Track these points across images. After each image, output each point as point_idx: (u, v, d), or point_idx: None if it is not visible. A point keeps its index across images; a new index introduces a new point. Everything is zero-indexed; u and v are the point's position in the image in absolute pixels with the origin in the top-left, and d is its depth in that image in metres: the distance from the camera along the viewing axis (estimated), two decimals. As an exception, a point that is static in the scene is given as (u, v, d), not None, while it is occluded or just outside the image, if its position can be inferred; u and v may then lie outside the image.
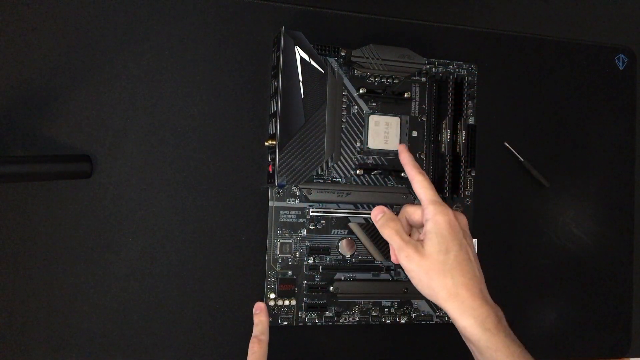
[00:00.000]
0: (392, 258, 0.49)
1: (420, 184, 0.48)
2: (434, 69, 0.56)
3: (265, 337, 0.49)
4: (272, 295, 0.51)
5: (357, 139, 0.54)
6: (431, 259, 0.45)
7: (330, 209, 0.53)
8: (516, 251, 0.59)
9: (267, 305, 0.51)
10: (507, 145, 0.59)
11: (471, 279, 0.45)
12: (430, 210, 0.46)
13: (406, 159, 0.51)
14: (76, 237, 0.48)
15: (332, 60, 0.53)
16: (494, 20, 0.61)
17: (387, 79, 0.54)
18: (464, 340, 0.45)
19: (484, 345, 0.43)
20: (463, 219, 0.48)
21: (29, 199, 0.47)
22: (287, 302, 0.52)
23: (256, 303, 0.51)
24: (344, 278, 0.53)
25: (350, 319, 0.53)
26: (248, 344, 0.48)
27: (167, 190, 0.50)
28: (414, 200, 0.54)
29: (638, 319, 0.63)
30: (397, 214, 0.50)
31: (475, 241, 0.55)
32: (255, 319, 0.50)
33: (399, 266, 0.54)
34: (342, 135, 0.53)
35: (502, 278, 0.59)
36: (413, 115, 0.55)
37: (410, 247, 0.46)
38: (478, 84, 0.58)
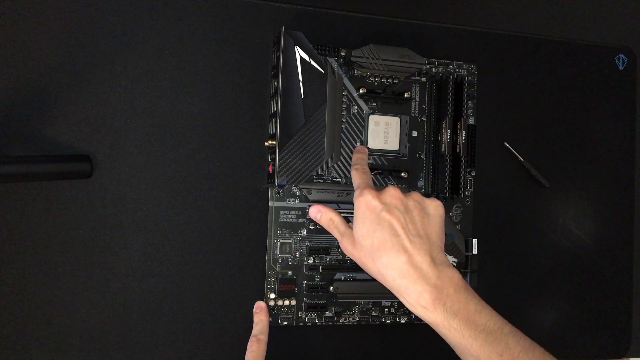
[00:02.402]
0: None
1: (353, 179, 0.48)
2: (434, 69, 0.56)
3: (264, 337, 0.49)
4: (272, 295, 0.51)
5: (357, 139, 0.54)
6: (359, 247, 0.45)
7: (330, 209, 0.53)
8: (516, 251, 0.59)
9: (267, 305, 0.51)
10: (507, 145, 0.59)
11: (397, 256, 0.42)
12: (353, 198, 0.46)
13: (353, 160, 0.51)
14: (76, 237, 0.48)
15: (332, 60, 0.53)
16: (494, 20, 0.61)
17: (387, 79, 0.54)
18: None
19: (428, 322, 0.42)
20: (388, 194, 0.45)
21: (29, 199, 0.47)
22: (287, 302, 0.52)
23: (256, 302, 0.51)
24: (344, 278, 0.53)
25: (350, 319, 0.53)
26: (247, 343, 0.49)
27: (167, 190, 0.50)
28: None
29: (638, 319, 0.63)
30: None
31: (475, 241, 0.55)
32: (255, 318, 0.50)
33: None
34: (342, 135, 0.53)
35: (502, 278, 0.59)
36: (413, 115, 0.55)
37: (345, 239, 0.46)
38: (478, 84, 0.58)
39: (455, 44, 0.58)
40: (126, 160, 0.49)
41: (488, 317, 0.42)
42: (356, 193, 0.46)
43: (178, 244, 0.50)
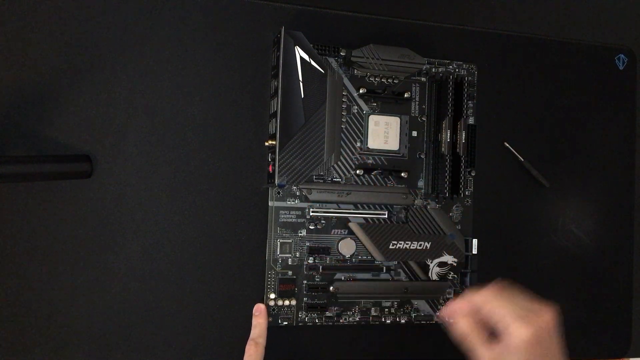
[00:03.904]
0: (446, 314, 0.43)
1: (497, 309, 0.41)
2: (434, 69, 0.56)
3: (262, 341, 0.48)
4: (272, 295, 0.51)
5: (357, 139, 0.54)
6: None
7: (330, 209, 0.53)
8: (516, 251, 0.59)
9: (267, 306, 0.51)
10: (507, 145, 0.59)
11: None
12: (514, 327, 0.40)
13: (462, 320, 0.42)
14: (76, 237, 0.48)
15: (332, 60, 0.53)
16: (494, 20, 0.61)
17: (387, 79, 0.54)
18: None
19: None
20: (545, 320, 0.42)
21: (29, 199, 0.47)
22: (287, 302, 0.52)
23: (256, 304, 0.51)
24: (344, 278, 0.53)
25: (350, 319, 0.53)
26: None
27: (167, 190, 0.50)
28: (414, 199, 0.54)
29: (638, 319, 0.63)
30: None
31: (475, 241, 0.55)
32: (254, 321, 0.50)
33: (398, 266, 0.54)
34: (342, 135, 0.53)
35: (502, 278, 0.59)
36: (413, 115, 0.55)
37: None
38: (478, 84, 0.58)
39: (455, 44, 0.58)
40: (126, 160, 0.49)
41: None
42: (516, 324, 0.40)
43: (178, 244, 0.50)
